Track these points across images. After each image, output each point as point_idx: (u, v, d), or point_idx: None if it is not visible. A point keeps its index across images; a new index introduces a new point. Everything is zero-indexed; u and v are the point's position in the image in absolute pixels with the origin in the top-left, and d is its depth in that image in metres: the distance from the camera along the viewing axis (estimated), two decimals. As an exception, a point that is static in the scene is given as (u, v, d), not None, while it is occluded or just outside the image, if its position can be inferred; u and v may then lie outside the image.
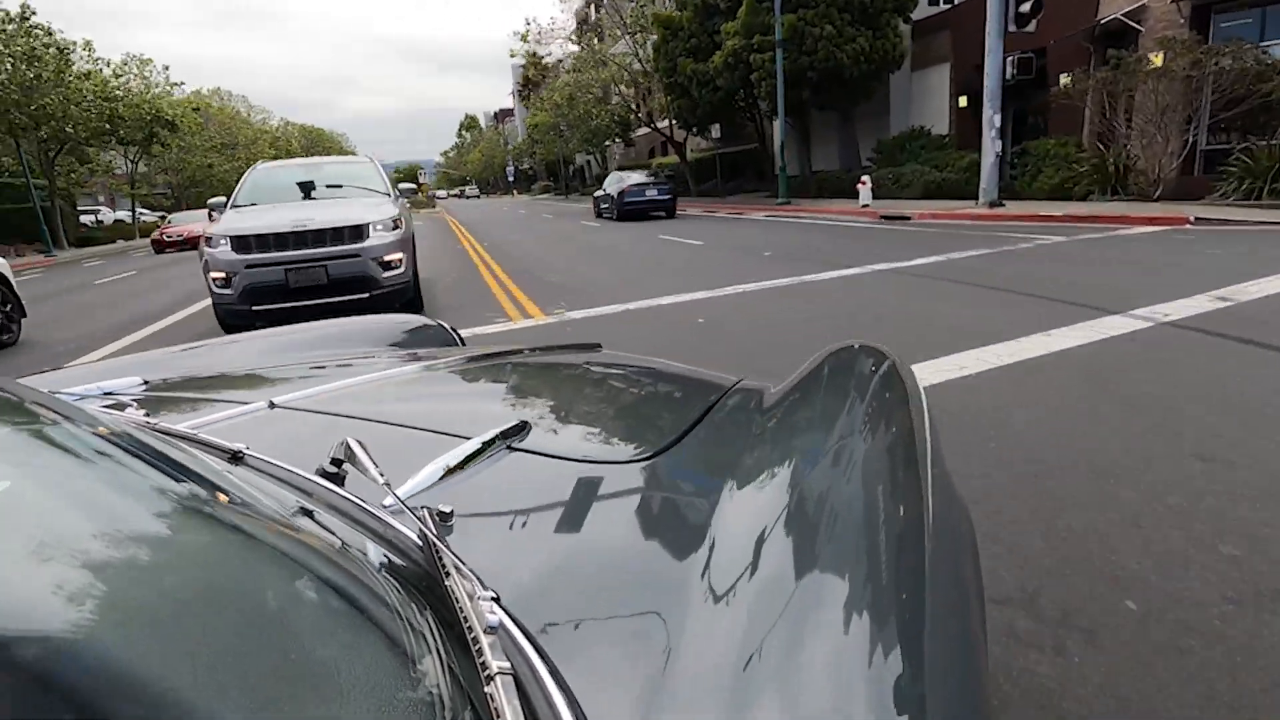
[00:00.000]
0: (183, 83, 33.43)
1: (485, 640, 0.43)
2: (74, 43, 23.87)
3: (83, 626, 0.32)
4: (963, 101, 16.55)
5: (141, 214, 42.44)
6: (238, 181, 7.02)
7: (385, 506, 0.65)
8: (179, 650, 0.34)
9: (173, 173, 39.63)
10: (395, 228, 5.95)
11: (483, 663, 0.41)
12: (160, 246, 22.58)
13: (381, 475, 0.63)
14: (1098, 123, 12.63)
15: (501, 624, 0.46)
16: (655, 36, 23.36)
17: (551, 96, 36.61)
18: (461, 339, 1.81)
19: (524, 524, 0.70)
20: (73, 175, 29.03)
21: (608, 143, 35.20)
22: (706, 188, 28.08)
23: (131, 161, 32.23)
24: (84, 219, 33.85)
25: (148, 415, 0.84)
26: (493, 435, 0.82)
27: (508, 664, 0.42)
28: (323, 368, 1.33)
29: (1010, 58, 12.15)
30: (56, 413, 0.57)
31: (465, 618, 0.45)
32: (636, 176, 18.02)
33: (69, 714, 0.28)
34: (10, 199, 26.91)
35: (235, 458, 0.70)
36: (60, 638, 0.31)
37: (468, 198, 76.87)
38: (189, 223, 22.70)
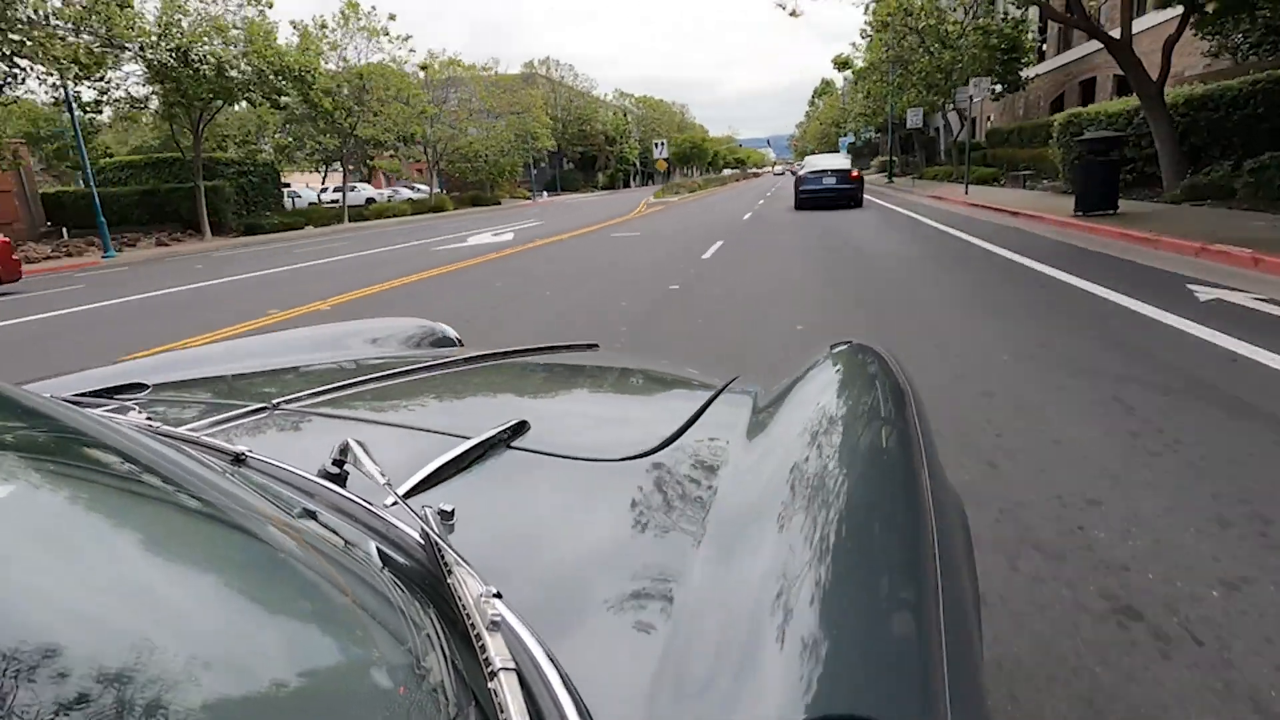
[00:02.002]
0: (410, 38, 27.17)
1: (488, 636, 0.44)
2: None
3: (86, 630, 0.33)
4: None
5: (408, 190, 39.25)
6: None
7: (387, 506, 0.64)
8: (183, 651, 0.34)
9: (430, 145, 34.49)
10: None
11: (486, 659, 0.42)
12: None
13: (383, 475, 0.63)
14: None
15: (504, 620, 0.46)
16: None
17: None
18: (460, 340, 1.83)
19: (525, 521, 0.72)
20: (248, 146, 24.09)
21: (968, 90, 18.17)
22: (1220, 176, 10.11)
23: (351, 128, 26.59)
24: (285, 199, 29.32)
25: (150, 418, 0.84)
26: (492, 434, 0.83)
27: (511, 659, 0.42)
28: (325, 369, 1.40)
29: None
30: (58, 418, 0.57)
31: (468, 615, 0.46)
32: (819, 162, 17.65)
33: (69, 715, 0.29)
34: (177, 177, 23.14)
35: (238, 460, 0.70)
36: (64, 642, 0.32)
37: (794, 174, 66.69)
38: None
